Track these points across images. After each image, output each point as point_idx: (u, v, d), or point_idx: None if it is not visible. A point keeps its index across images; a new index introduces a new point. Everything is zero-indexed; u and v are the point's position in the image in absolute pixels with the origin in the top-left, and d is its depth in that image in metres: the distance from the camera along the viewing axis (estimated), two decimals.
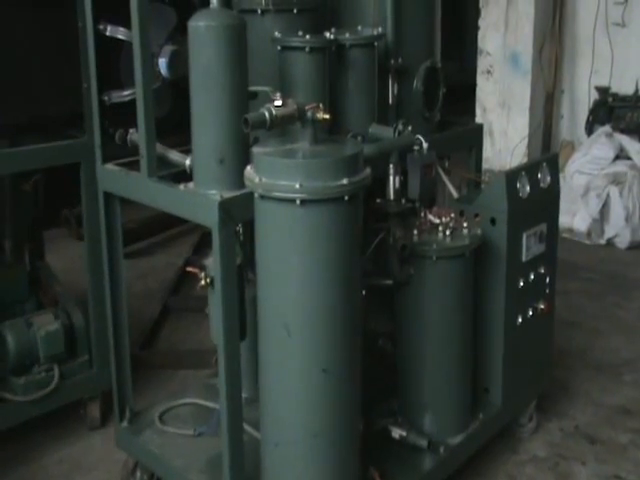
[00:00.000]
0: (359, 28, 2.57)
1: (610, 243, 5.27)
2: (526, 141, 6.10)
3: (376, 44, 2.52)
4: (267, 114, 1.96)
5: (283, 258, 2.01)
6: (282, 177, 1.93)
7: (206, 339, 3.76)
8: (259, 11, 2.42)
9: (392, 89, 2.70)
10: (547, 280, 2.92)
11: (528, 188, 2.72)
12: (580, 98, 6.12)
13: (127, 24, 2.36)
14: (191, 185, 2.24)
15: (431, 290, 2.53)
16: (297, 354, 2.05)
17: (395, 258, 2.46)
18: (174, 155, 2.37)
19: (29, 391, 2.90)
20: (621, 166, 5.31)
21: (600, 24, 5.85)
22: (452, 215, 2.60)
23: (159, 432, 2.67)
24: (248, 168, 2.04)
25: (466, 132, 3.06)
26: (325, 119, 2.00)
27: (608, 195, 5.23)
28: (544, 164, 2.85)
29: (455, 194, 2.78)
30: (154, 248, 5.34)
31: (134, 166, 2.44)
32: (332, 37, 2.40)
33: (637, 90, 5.72)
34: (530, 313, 2.85)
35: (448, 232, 2.50)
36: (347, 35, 2.45)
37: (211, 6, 2.13)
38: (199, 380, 3.15)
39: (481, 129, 3.13)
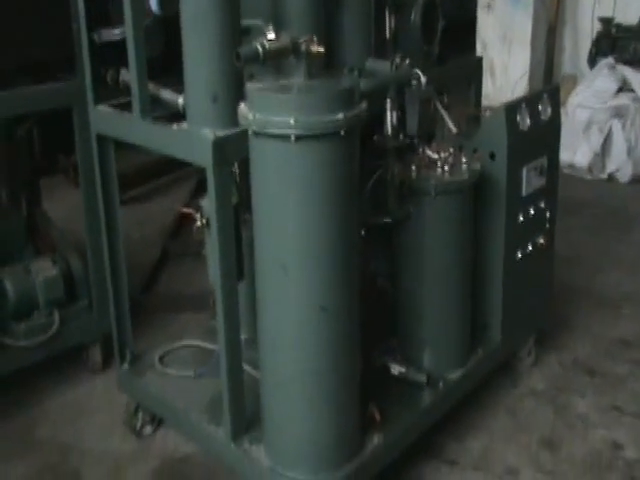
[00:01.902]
0: None
1: (611, 178, 5.23)
2: (527, 76, 5.99)
3: None
4: (259, 48, 1.91)
5: (279, 196, 1.98)
6: (276, 113, 1.89)
7: (206, 282, 3.79)
8: None
9: (389, 22, 2.63)
10: (547, 215, 2.90)
11: (528, 121, 2.68)
12: (583, 30, 6.00)
13: None
14: (184, 125, 2.19)
15: (430, 226, 2.51)
16: (295, 293, 2.04)
17: (393, 195, 2.43)
18: (167, 94, 2.32)
19: (30, 336, 2.91)
20: (624, 99, 5.22)
21: None
22: (451, 150, 2.56)
23: (160, 374, 2.69)
24: (242, 105, 2.00)
25: (465, 66, 3.00)
26: (319, 52, 1.95)
27: (610, 129, 5.16)
28: (545, 96, 2.79)
29: (454, 129, 2.73)
30: (151, 194, 5.31)
31: (127, 107, 2.39)
32: None
33: None
34: (530, 248, 2.84)
35: (447, 167, 2.47)
36: None
37: None
38: (199, 322, 3.16)
39: (481, 62, 3.07)
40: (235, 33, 2.08)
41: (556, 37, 6.01)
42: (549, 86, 2.87)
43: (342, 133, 1.90)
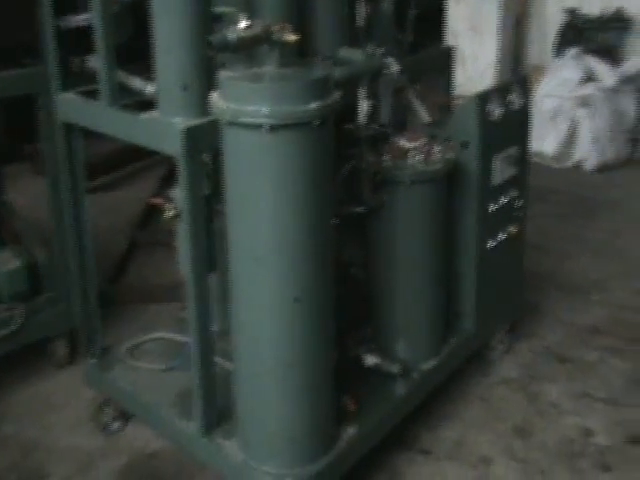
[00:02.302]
0: None
1: (578, 166, 5.29)
2: (496, 65, 6.02)
3: None
4: (231, 35, 1.87)
5: (251, 187, 1.95)
6: (249, 102, 1.85)
7: (177, 273, 3.74)
8: None
9: (362, 10, 2.60)
10: (518, 204, 2.91)
11: (499, 110, 2.68)
12: (549, 21, 6.03)
13: None
14: (155, 113, 2.15)
15: (404, 215, 2.50)
16: (268, 284, 2.02)
17: (367, 184, 2.42)
18: (136, 82, 2.27)
19: None
20: (590, 89, 5.27)
21: None
22: (424, 140, 2.55)
23: (129, 368, 2.65)
24: (214, 94, 1.96)
25: (437, 55, 2.99)
26: (293, 40, 1.92)
27: (576, 118, 5.21)
28: (515, 85, 2.80)
29: (426, 118, 2.72)
30: (119, 182, 5.23)
31: (94, 95, 2.34)
32: None
33: (605, 11, 5.63)
34: (502, 237, 2.85)
35: (421, 157, 2.46)
36: None
37: None
38: (170, 314, 3.12)
39: (452, 52, 3.06)
40: (206, 20, 2.04)
41: (523, 28, 6.04)
42: (519, 76, 2.86)
43: (316, 123, 1.87)
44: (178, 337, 2.74)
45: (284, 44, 1.93)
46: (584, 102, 5.21)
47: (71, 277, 2.71)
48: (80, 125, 2.39)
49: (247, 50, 1.94)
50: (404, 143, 2.52)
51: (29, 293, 2.97)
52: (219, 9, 2.04)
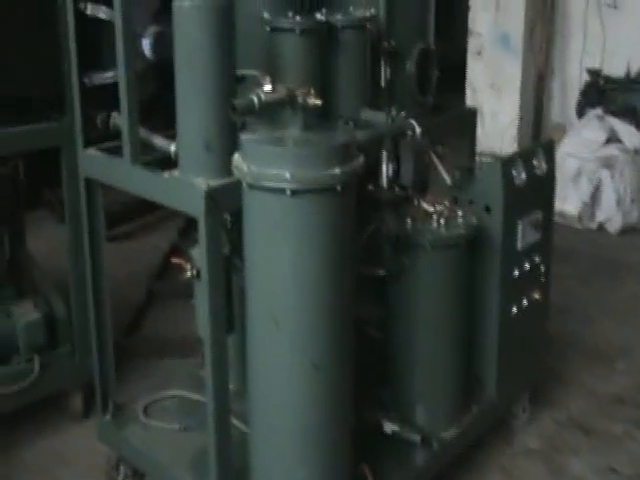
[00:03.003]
0: (351, 9, 2.47)
1: (601, 227, 5.22)
2: (516, 123, 6.02)
3: (368, 26, 2.42)
4: (255, 99, 1.87)
5: (272, 250, 1.93)
6: (272, 166, 1.84)
7: (193, 327, 3.70)
8: None
9: (384, 72, 2.61)
10: (542, 269, 2.86)
11: (524, 175, 2.65)
12: (571, 80, 6.05)
13: (109, 3, 2.26)
14: (176, 172, 2.14)
15: (425, 280, 2.46)
16: (286, 348, 1.98)
17: (389, 248, 2.38)
18: (158, 140, 2.27)
19: (9, 383, 2.80)
20: (612, 149, 5.24)
21: (592, 5, 5.77)
22: (446, 203, 2.52)
23: (143, 426, 2.60)
24: (236, 155, 1.95)
25: (460, 117, 2.98)
26: (316, 104, 1.91)
27: (599, 179, 5.17)
28: (540, 150, 2.77)
29: (448, 181, 2.70)
30: (138, 231, 5.23)
31: (117, 151, 2.34)
32: (323, 18, 2.29)
33: (628, 72, 5.64)
34: (525, 303, 2.79)
35: (443, 221, 2.43)
36: (339, 16, 2.35)
37: None
38: (185, 370, 3.07)
39: (475, 114, 3.05)
40: (230, 81, 2.04)
41: (545, 86, 6.06)
42: (544, 140, 2.84)
43: (338, 188, 1.85)
44: (194, 396, 2.68)
45: (307, 108, 1.92)
46: (607, 163, 5.17)
47: (88, 329, 2.68)
48: (102, 181, 2.39)
49: (270, 113, 1.93)
50: (426, 206, 2.49)
51: (46, 345, 2.94)
52: (243, 71, 2.05)
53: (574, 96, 5.94)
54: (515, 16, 5.91)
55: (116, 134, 2.37)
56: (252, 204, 1.93)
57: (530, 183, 2.68)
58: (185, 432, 2.54)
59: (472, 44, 6.17)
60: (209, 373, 2.15)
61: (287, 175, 1.81)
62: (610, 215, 5.18)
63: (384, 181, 2.35)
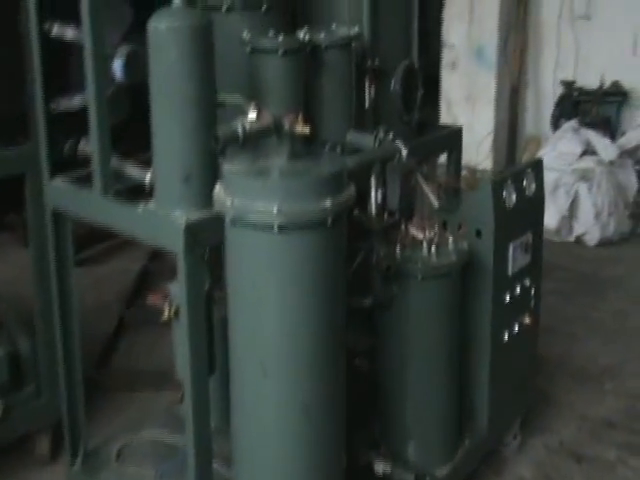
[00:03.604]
0: (333, 27, 2.35)
1: (579, 240, 5.18)
2: (492, 136, 5.96)
3: (353, 44, 2.31)
4: (240, 128, 1.73)
5: (258, 289, 1.79)
6: (257, 199, 1.71)
7: (167, 356, 3.54)
8: (224, 8, 2.19)
9: (369, 92, 2.49)
10: (532, 292, 2.77)
11: (514, 197, 2.56)
12: (545, 92, 6.01)
13: (77, 22, 2.11)
14: (152, 204, 1.99)
15: (415, 311, 2.34)
16: (275, 395, 1.84)
17: (378, 278, 2.26)
18: (132, 170, 2.12)
19: None
20: (589, 162, 5.21)
21: (565, 16, 5.74)
22: (436, 228, 2.41)
23: (116, 472, 2.43)
24: (218, 188, 1.81)
25: (445, 135, 2.87)
26: (305, 133, 1.78)
27: (577, 192, 5.13)
28: (529, 171, 2.68)
29: (436, 204, 2.59)
30: (106, 254, 5.03)
31: (86, 181, 2.19)
32: (307, 38, 2.17)
33: (602, 83, 5.62)
34: (516, 329, 2.70)
35: (433, 248, 2.31)
36: (322, 35, 2.23)
37: (173, 4, 1.88)
38: (160, 405, 2.92)
39: (460, 132, 2.94)
40: (211, 108, 1.90)
41: (519, 98, 6.01)
42: (533, 160, 2.76)
43: (330, 222, 1.72)
44: (171, 438, 2.53)
45: (295, 136, 1.79)
46: (584, 176, 5.13)
47: (55, 366, 2.51)
48: (71, 214, 2.23)
49: (255, 143, 1.79)
50: (415, 232, 2.38)
51: (10, 385, 2.75)
52: (225, 97, 1.91)
53: (548, 108, 5.90)
54: (489, 28, 5.86)
55: (85, 162, 2.22)
56: (235, 240, 1.79)
57: (520, 204, 2.59)
58: (162, 478, 2.38)
59: (446, 56, 6.10)
60: (190, 418, 2.01)
61: (274, 209, 1.68)
62: (588, 228, 5.14)
63: (373, 208, 2.22)
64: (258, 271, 1.77)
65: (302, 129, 1.78)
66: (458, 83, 6.11)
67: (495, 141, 6.02)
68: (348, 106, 2.36)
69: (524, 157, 6.07)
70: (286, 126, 1.77)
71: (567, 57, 5.75)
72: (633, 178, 5.28)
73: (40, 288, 2.73)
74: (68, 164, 2.34)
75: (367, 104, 2.50)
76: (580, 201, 5.14)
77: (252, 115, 1.74)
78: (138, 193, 2.14)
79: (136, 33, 2.41)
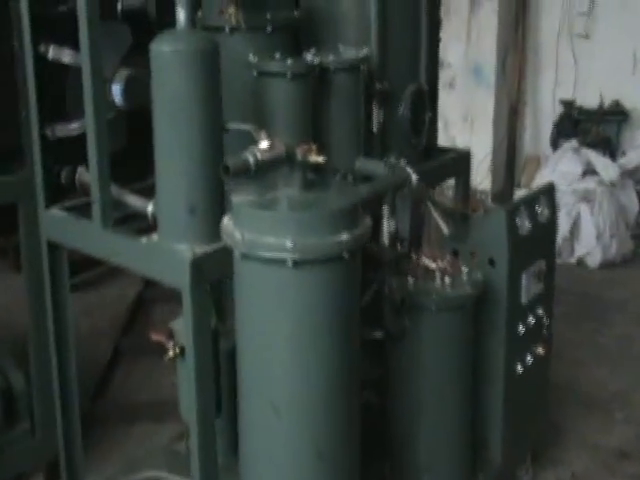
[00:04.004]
0: (341, 48, 2.27)
1: (581, 262, 5.09)
2: (490, 156, 5.90)
3: (362, 67, 2.22)
4: (251, 159, 1.63)
5: (270, 326, 1.69)
6: (269, 233, 1.61)
7: (165, 386, 3.42)
8: (227, 29, 2.10)
9: (377, 116, 2.41)
10: (545, 322, 2.67)
11: (528, 224, 2.47)
12: (544, 111, 5.96)
13: (74, 45, 2.02)
14: (155, 237, 1.89)
15: (429, 343, 2.24)
16: (288, 438, 1.73)
17: (390, 310, 2.16)
18: (133, 199, 2.02)
19: None
20: (590, 182, 5.14)
21: (564, 35, 5.70)
22: (448, 258, 2.32)
23: None
24: (226, 220, 1.71)
25: (453, 160, 2.79)
26: (318, 162, 1.69)
27: (578, 213, 5.05)
28: (541, 196, 2.60)
29: (446, 231, 2.49)
30: (101, 279, 4.90)
31: (84, 210, 2.09)
32: (316, 60, 2.08)
33: (602, 103, 5.57)
34: (529, 360, 2.60)
35: (447, 279, 2.22)
36: (331, 58, 2.14)
37: (177, 26, 1.79)
38: (160, 442, 2.80)
39: (469, 156, 2.87)
40: (218, 136, 1.81)
41: (518, 118, 5.95)
42: (545, 185, 2.67)
43: (346, 256, 1.63)
44: (172, 478, 2.41)
45: (307, 165, 1.70)
46: (585, 197, 5.06)
47: (50, 401, 2.40)
48: (67, 246, 2.12)
49: (266, 173, 1.70)
50: (427, 262, 2.28)
51: (2, 423, 2.63)
52: (233, 125, 1.81)
53: (547, 128, 5.85)
54: (487, 47, 5.81)
55: (83, 191, 2.13)
56: (246, 275, 1.69)
57: (534, 231, 2.50)
58: None
59: (443, 75, 6.03)
60: (196, 460, 1.90)
61: (288, 244, 1.58)
62: (590, 249, 5.06)
63: (385, 238, 2.13)
64: (269, 307, 1.67)
65: (316, 158, 1.68)
66: (455, 103, 6.05)
67: (494, 161, 5.96)
68: (357, 131, 2.28)
69: (523, 177, 6.02)
70: (299, 155, 1.67)
71: (566, 76, 5.71)
72: (634, 199, 5.22)
73: (35, 318, 2.61)
74: (65, 192, 2.24)
75: (375, 129, 2.42)
76: (581, 222, 5.06)
77: (264, 144, 1.64)
78: (138, 224, 2.04)
79: (136, 56, 2.33)
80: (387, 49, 2.39)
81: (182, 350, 1.86)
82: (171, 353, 1.88)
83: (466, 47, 5.88)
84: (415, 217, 2.46)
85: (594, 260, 5.05)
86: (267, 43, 2.13)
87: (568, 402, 3.42)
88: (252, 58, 2.04)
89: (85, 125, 2.01)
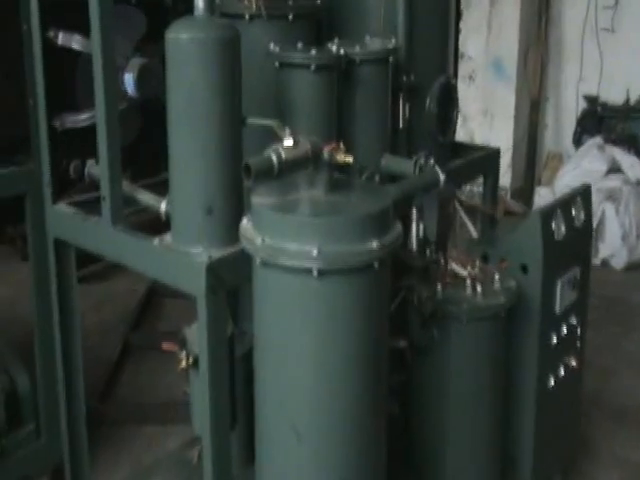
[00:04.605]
0: (367, 39, 2.13)
1: (605, 263, 4.93)
2: (510, 152, 5.73)
3: (391, 59, 2.08)
4: (275, 158, 1.49)
5: (292, 340, 1.55)
6: (293, 239, 1.47)
7: (175, 385, 3.30)
8: (247, 17, 1.96)
9: (403, 111, 2.27)
10: (579, 332, 2.53)
11: (563, 228, 2.32)
12: (566, 106, 5.79)
13: (85, 31, 1.89)
14: (168, 238, 1.76)
15: (458, 356, 2.10)
16: (310, 464, 1.60)
17: (418, 321, 2.03)
18: (145, 196, 1.89)
19: None
20: (615, 181, 4.98)
21: (588, 29, 5.52)
22: (479, 264, 2.18)
23: None
24: (245, 222, 1.58)
25: (482, 158, 2.65)
26: (347, 162, 1.55)
27: (603, 212, 4.89)
28: (578, 198, 2.45)
29: (475, 234, 2.36)
30: (110, 271, 4.76)
31: (94, 207, 1.96)
32: (341, 51, 1.94)
33: (628, 99, 5.40)
34: (562, 372, 2.45)
35: (479, 287, 2.07)
36: (357, 49, 2.00)
37: (195, 12, 1.65)
38: (169, 446, 2.68)
39: (498, 154, 2.72)
40: (237, 133, 1.68)
41: (539, 113, 5.78)
42: (581, 187, 2.52)
43: (376, 266, 1.49)
44: None
45: (334, 166, 1.56)
46: (610, 196, 4.90)
47: (56, 403, 2.29)
48: (75, 244, 2.00)
49: (290, 174, 1.55)
50: (457, 268, 2.14)
51: (7, 426, 2.52)
52: (253, 120, 1.68)
53: (570, 124, 5.69)
54: (508, 39, 5.64)
55: (93, 186, 2.00)
56: (266, 284, 1.55)
57: (569, 236, 2.35)
58: None
59: (463, 68, 5.87)
60: (209, 478, 1.77)
61: (314, 252, 1.44)
62: (615, 251, 4.90)
63: (414, 243, 1.99)
64: (292, 320, 1.53)
65: (344, 158, 1.54)
66: (475, 96, 5.89)
67: (514, 157, 5.80)
68: (384, 127, 2.14)
69: (545, 175, 5.86)
70: (325, 154, 1.53)
71: (590, 71, 5.53)
72: None
73: (40, 316, 2.50)
74: (73, 186, 2.12)
75: (401, 124, 2.27)
76: (606, 222, 4.90)
77: (288, 142, 1.50)
78: (150, 221, 1.92)
79: (150, 44, 2.20)
80: (415, 38, 2.25)
81: (195, 360, 1.73)
82: (184, 364, 1.75)
83: (487, 39, 5.71)
84: (442, 219, 2.31)
85: (619, 262, 4.88)
86: (288, 32, 1.99)
87: (596, 413, 3.27)
88: (273, 48, 1.89)
89: (95, 116, 1.87)
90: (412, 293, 2.01)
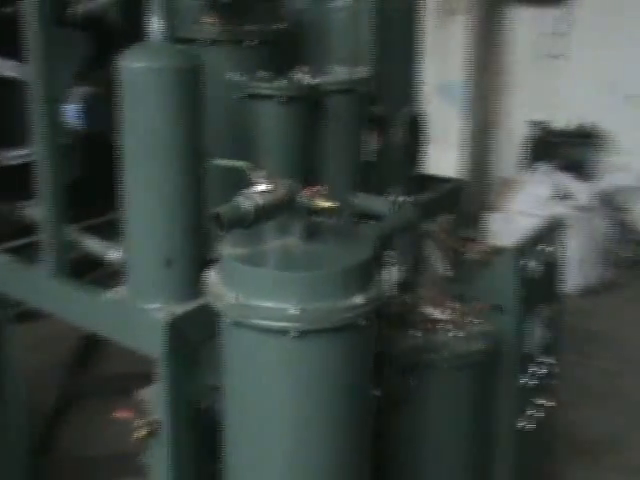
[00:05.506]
0: (334, 68, 1.99)
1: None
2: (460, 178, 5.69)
3: (360, 89, 1.94)
4: (249, 205, 1.31)
5: (268, 407, 1.38)
6: (269, 296, 1.30)
7: (122, 436, 3.07)
8: (206, 41, 1.79)
9: (372, 143, 2.13)
10: (554, 370, 2.42)
11: (534, 265, 2.22)
12: (515, 132, 5.79)
13: (20, 56, 1.69)
14: (122, 292, 1.56)
15: (437, 405, 1.96)
16: None
17: (394, 370, 1.87)
18: (93, 244, 1.69)
19: None
20: (566, 207, 4.97)
21: (535, 55, 5.55)
22: (457, 305, 2.05)
23: None
24: (213, 276, 1.40)
25: (450, 191, 2.53)
26: (328, 208, 1.39)
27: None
28: (548, 232, 2.36)
29: (447, 273, 2.23)
30: None
31: (32, 254, 1.75)
32: (310, 81, 1.78)
33: (575, 125, 5.43)
34: (537, 414, 2.33)
35: (459, 332, 1.94)
36: (327, 78, 1.85)
37: (152, 38, 1.47)
38: None
39: (468, 186, 2.62)
40: (200, 171, 1.50)
41: (488, 139, 5.77)
42: (551, 220, 2.43)
43: (361, 323, 1.33)
44: None
45: (313, 212, 1.40)
46: (563, 222, 4.88)
47: None
48: (12, 298, 1.77)
49: (263, 223, 1.38)
50: (434, 312, 2.00)
51: None
52: (221, 162, 1.50)
53: (518, 149, 5.68)
54: (457, 65, 5.62)
55: (32, 230, 1.79)
56: (237, 346, 1.37)
57: (543, 273, 2.25)
58: None
59: None
60: None
61: (293, 310, 1.27)
62: (570, 276, 4.86)
63: (389, 287, 1.83)
64: (267, 383, 1.36)
65: (325, 204, 1.37)
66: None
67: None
68: (354, 161, 1.99)
69: (494, 201, 5.84)
70: (304, 200, 1.36)
71: (539, 97, 5.55)
72: (612, 224, 5.06)
73: None
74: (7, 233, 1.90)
75: (370, 157, 2.14)
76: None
77: (262, 186, 1.33)
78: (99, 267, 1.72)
79: (95, 70, 2.01)
80: (382, 67, 2.12)
81: (155, 430, 1.52)
82: (143, 432, 1.54)
83: (436, 65, 5.68)
84: (417, 259, 2.18)
85: (573, 287, 4.86)
86: (248, 59, 1.83)
87: (556, 446, 3.18)
88: (235, 76, 1.72)
89: (34, 152, 1.67)
90: (389, 342, 1.85)
